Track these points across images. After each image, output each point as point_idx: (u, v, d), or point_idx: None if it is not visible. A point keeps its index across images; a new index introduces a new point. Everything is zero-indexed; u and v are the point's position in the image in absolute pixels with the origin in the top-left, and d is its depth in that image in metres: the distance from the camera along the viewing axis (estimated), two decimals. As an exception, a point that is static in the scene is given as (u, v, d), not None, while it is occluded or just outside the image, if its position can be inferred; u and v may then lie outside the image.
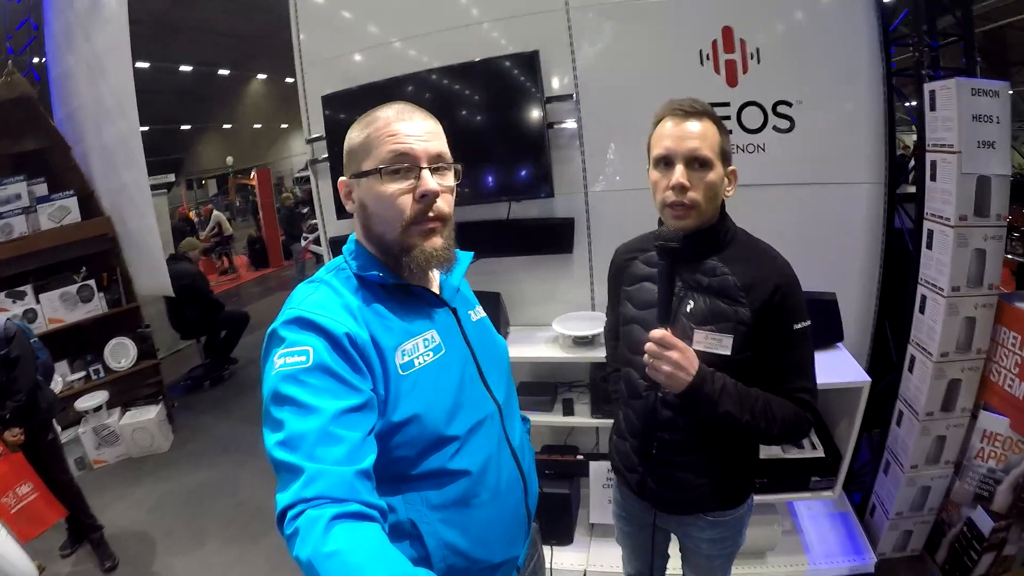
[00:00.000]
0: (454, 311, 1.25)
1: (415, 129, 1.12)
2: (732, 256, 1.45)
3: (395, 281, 1.15)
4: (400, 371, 1.08)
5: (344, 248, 1.21)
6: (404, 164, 1.10)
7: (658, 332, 1.37)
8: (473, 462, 1.16)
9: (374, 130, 1.12)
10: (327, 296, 1.09)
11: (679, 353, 1.35)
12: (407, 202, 1.11)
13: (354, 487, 0.91)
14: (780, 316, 1.39)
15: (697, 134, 1.37)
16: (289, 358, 0.99)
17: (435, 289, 1.24)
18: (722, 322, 1.42)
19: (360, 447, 0.96)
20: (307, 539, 0.84)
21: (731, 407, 1.37)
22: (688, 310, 1.46)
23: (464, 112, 2.75)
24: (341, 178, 1.16)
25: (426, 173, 1.11)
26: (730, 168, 1.44)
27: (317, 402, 0.95)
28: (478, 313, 1.35)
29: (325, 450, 0.92)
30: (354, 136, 1.15)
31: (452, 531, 1.14)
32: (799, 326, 1.40)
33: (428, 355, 1.13)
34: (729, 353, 1.41)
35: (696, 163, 1.38)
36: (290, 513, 0.88)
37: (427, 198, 1.11)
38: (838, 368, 2.31)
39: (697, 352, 1.40)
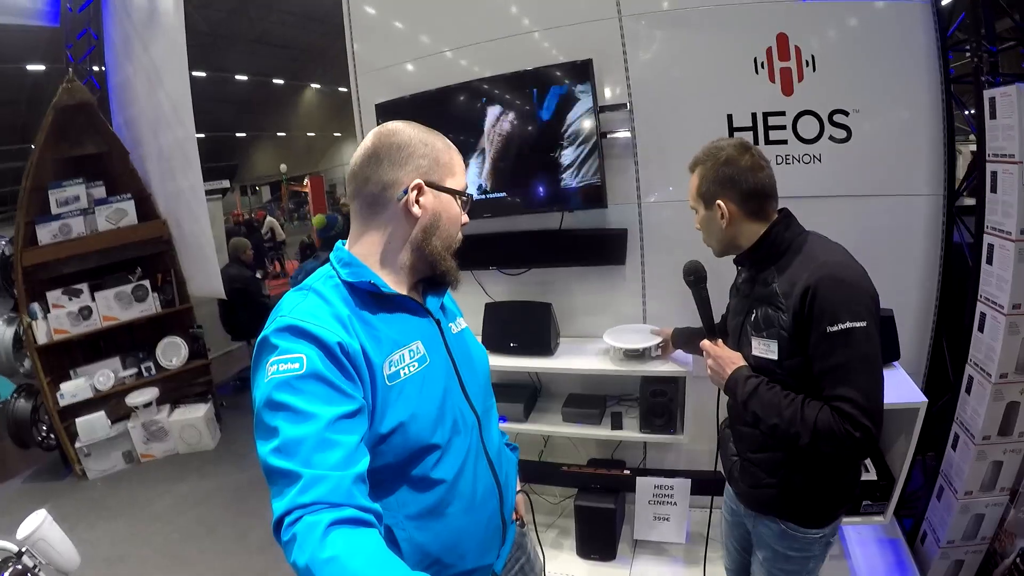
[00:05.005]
0: (438, 322, 1.27)
1: None
2: (785, 264, 1.52)
3: (388, 291, 1.16)
4: (387, 381, 1.10)
5: (332, 255, 1.22)
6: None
7: (705, 343, 1.71)
8: (450, 471, 1.18)
9: (455, 156, 1.23)
10: (317, 304, 1.10)
11: (713, 360, 1.66)
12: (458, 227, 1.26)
13: (351, 492, 0.92)
14: (812, 319, 1.40)
15: (688, 188, 1.66)
16: (282, 365, 1.00)
17: (420, 300, 1.27)
18: (770, 328, 1.51)
19: (355, 452, 0.97)
20: (304, 545, 0.85)
21: (758, 409, 1.50)
22: (752, 319, 1.58)
23: (516, 121, 2.75)
24: (418, 180, 1.16)
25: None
26: (716, 202, 1.57)
27: (312, 408, 0.96)
28: (459, 325, 1.38)
29: (321, 456, 0.93)
30: (440, 149, 1.21)
31: (426, 536, 1.17)
32: (835, 328, 1.37)
33: (414, 365, 1.15)
34: (776, 358, 1.50)
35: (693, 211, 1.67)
36: (287, 520, 0.89)
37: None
38: (894, 388, 2.19)
39: (755, 357, 1.56)
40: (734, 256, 1.66)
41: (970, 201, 2.55)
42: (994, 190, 2.26)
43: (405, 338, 1.17)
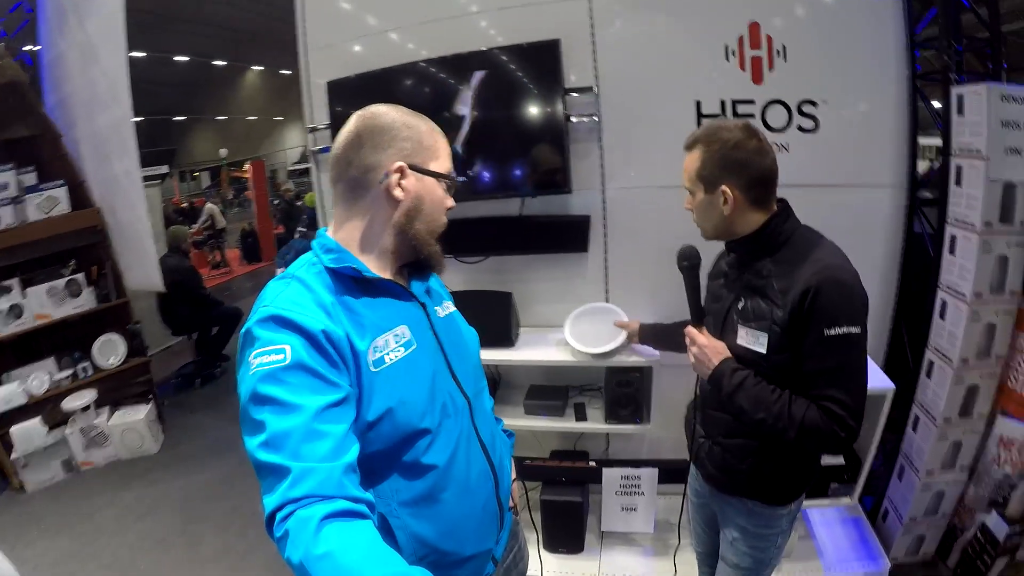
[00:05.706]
0: (423, 306, 1.27)
1: None
2: (783, 258, 1.50)
3: (371, 275, 1.15)
4: (372, 367, 1.09)
5: (315, 243, 1.21)
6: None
7: (690, 329, 1.66)
8: (442, 456, 1.18)
9: (439, 139, 1.22)
10: (300, 292, 1.09)
11: (698, 349, 1.61)
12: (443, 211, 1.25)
13: (342, 483, 0.92)
14: (811, 319, 1.40)
15: (684, 167, 1.58)
16: (266, 357, 0.98)
17: (405, 284, 1.27)
18: (761, 321, 1.50)
19: (344, 441, 0.97)
20: (298, 541, 0.84)
21: (744, 403, 1.49)
22: (740, 307, 1.57)
23: (480, 102, 2.66)
24: (400, 163, 1.15)
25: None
26: (720, 188, 1.50)
27: (298, 400, 0.95)
28: (447, 308, 1.37)
29: (310, 447, 0.92)
30: (424, 132, 1.20)
31: (421, 524, 1.16)
32: (833, 332, 1.39)
33: (399, 350, 1.15)
34: (764, 351, 1.49)
35: (687, 191, 1.59)
36: (279, 515, 0.88)
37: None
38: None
39: (741, 347, 1.55)
40: (726, 240, 1.64)
41: (929, 193, 2.64)
42: (959, 183, 2.34)
43: (389, 323, 1.16)
